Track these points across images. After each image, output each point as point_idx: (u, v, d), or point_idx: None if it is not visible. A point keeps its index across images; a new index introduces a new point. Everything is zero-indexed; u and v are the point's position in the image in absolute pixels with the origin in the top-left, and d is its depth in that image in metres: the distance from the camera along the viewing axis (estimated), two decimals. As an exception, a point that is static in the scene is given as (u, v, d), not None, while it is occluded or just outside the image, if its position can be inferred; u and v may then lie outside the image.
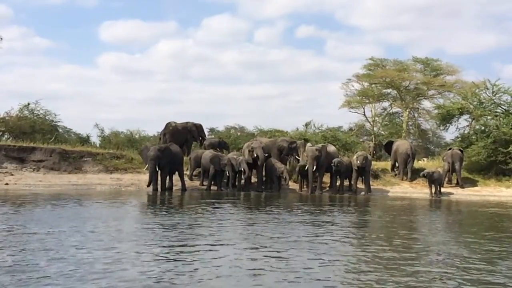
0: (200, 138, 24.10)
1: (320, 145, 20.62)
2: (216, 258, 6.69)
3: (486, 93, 24.33)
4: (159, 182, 17.87)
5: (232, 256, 6.86)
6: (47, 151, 20.12)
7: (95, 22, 78.87)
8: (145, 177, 18.71)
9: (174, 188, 18.48)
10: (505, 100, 24.15)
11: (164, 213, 11.71)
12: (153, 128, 59.38)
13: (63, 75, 70.75)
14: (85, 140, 27.30)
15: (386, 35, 69.88)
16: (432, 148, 40.05)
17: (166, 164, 17.93)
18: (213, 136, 31.41)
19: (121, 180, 19.31)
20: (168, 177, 18.48)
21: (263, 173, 20.21)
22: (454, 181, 21.34)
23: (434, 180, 19.26)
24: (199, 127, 23.79)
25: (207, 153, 19.91)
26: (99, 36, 75.55)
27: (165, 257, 6.70)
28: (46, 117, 27.31)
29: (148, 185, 17.60)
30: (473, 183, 21.49)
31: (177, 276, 5.75)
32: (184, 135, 23.00)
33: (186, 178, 19.41)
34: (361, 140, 36.20)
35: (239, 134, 37.24)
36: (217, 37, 76.52)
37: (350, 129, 40.25)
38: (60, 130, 28.30)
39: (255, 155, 19.45)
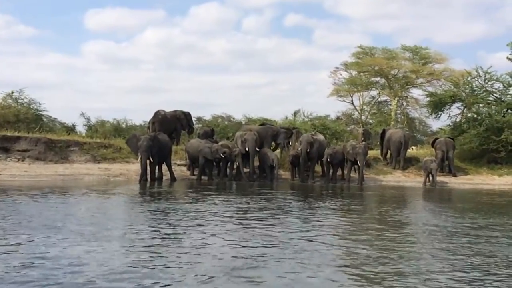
0: (189, 126, 23.58)
1: (310, 133, 20.39)
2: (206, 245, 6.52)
3: (478, 80, 24.21)
4: (148, 172, 17.39)
5: (223, 249, 6.57)
6: (32, 140, 19.43)
7: (81, 10, 77.50)
8: (134, 167, 18.23)
9: (163, 178, 18.05)
10: (497, 88, 24.11)
11: (155, 204, 11.28)
12: (140, 117, 58.74)
13: (48, 63, 69.58)
14: (70, 130, 26.62)
15: (375, 24, 69.72)
16: (418, 137, 40.05)
17: (156, 154, 17.44)
18: (200, 126, 30.98)
19: (109, 170, 18.72)
20: (157, 167, 18.02)
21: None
22: (446, 170, 21.19)
23: (432, 169, 19.04)
24: (188, 115, 23.26)
25: (196, 142, 19.46)
26: (85, 24, 74.27)
27: (154, 247, 6.47)
28: (31, 106, 26.59)
29: (140, 180, 16.88)
30: (465, 172, 21.40)
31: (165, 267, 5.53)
32: (173, 124, 22.46)
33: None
34: (348, 128, 36.06)
35: (226, 123, 36.87)
36: (205, 25, 75.76)
37: (338, 118, 40.12)
38: (45, 120, 27.58)
39: (246, 149, 18.99)
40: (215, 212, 9.86)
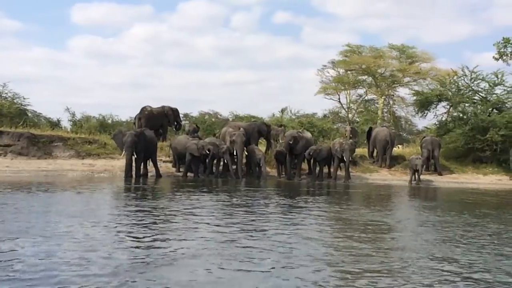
0: (176, 123, 23.41)
1: (295, 130, 20.39)
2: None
3: (464, 80, 24.32)
4: (133, 168, 17.19)
5: (206, 245, 6.42)
6: (15, 135, 19.15)
7: (67, 4, 76.70)
8: (119, 163, 18.02)
9: (148, 174, 17.86)
10: (483, 87, 24.23)
11: (139, 200, 11.11)
12: (126, 113, 58.40)
13: (34, 58, 69.10)
14: (55, 125, 26.30)
15: (363, 22, 70.13)
16: (404, 135, 40.25)
17: (141, 150, 17.25)
18: (187, 122, 30.84)
19: (93, 166, 18.51)
20: (142, 164, 17.82)
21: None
22: (431, 168, 21.26)
23: (417, 165, 19.08)
24: (175, 112, 23.09)
25: (183, 139, 19.29)
26: (72, 19, 73.56)
27: (138, 243, 6.29)
28: (15, 101, 26.26)
29: (125, 176, 16.66)
30: (450, 170, 21.50)
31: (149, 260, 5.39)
32: (159, 120, 22.30)
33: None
34: (335, 126, 36.13)
35: (213, 120, 36.75)
36: (193, 21, 75.66)
37: (325, 116, 40.17)
38: (30, 114, 27.27)
39: (234, 151, 18.74)
40: (195, 209, 9.72)
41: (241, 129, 19.55)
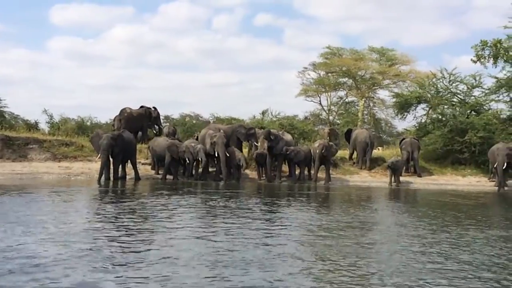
0: (155, 125, 23.12)
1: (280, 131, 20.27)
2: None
3: (443, 82, 24.50)
4: (111, 171, 16.88)
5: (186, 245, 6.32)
6: (-12, 137, 18.72)
7: (46, 5, 75.58)
8: (97, 165, 17.64)
9: (127, 177, 17.57)
10: (461, 89, 24.46)
11: (116, 203, 10.87)
12: (107, 115, 57.70)
13: (12, 59, 67.80)
14: (33, 127, 25.76)
15: (344, 25, 70.51)
16: (384, 137, 40.47)
17: (119, 152, 16.95)
18: (168, 124, 30.54)
19: (70, 169, 18.14)
20: (120, 166, 17.54)
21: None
22: (411, 170, 21.35)
23: (396, 169, 19.16)
24: (155, 113, 22.80)
25: (162, 141, 19.05)
26: (51, 19, 72.53)
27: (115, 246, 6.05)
28: (-10, 102, 25.77)
29: (99, 178, 16.30)
30: (430, 172, 21.60)
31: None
32: (139, 122, 22.01)
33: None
34: (316, 128, 36.13)
35: (194, 122, 36.51)
36: (174, 23, 75.23)
37: (306, 118, 40.18)
38: (7, 116, 26.74)
39: (216, 153, 18.46)
40: (173, 213, 9.55)
41: (221, 131, 19.38)
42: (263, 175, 19.66)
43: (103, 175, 16.44)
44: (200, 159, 18.29)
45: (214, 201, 11.77)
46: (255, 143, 20.25)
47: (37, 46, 74.60)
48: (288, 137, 20.45)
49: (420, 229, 8.54)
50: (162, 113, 24.26)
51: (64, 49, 71.46)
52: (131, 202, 11.26)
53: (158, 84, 68.16)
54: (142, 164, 19.41)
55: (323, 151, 18.80)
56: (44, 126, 27.54)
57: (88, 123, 29.47)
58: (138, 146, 19.88)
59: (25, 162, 18.42)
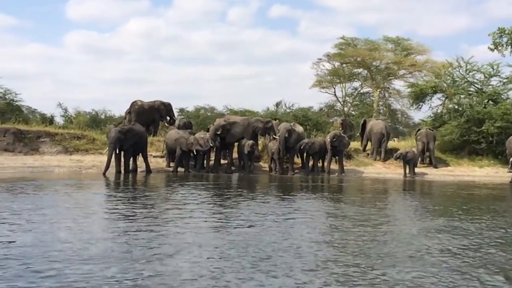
0: (168, 117, 22.94)
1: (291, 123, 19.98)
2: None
3: (459, 71, 23.97)
4: (122, 164, 16.78)
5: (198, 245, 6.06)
6: (0, 131, 18.72)
7: (62, 0, 75.98)
8: (108, 159, 17.61)
9: (138, 170, 17.47)
10: (478, 78, 23.90)
11: (126, 197, 10.75)
12: (121, 108, 57.84)
13: (29, 54, 68.45)
14: (48, 121, 25.89)
15: (360, 16, 69.63)
16: (400, 128, 39.93)
17: (130, 145, 16.84)
18: (182, 117, 30.42)
19: (81, 162, 18.09)
20: (132, 159, 17.43)
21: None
22: (427, 161, 20.95)
23: (408, 160, 18.81)
24: (168, 106, 22.63)
25: (173, 134, 18.92)
26: (67, 14, 72.93)
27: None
28: (6, 96, 25.89)
29: (105, 171, 15.98)
30: (446, 163, 21.17)
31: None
32: (151, 114, 21.88)
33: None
34: (331, 120, 35.75)
35: (209, 114, 36.39)
36: (189, 16, 75.07)
37: (320, 109, 39.80)
38: (25, 111, 26.96)
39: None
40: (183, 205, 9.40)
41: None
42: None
43: (115, 168, 16.31)
44: (211, 146, 18.13)
45: (228, 193, 11.59)
46: (273, 135, 19.90)
47: (53, 41, 75.14)
48: (299, 128, 20.13)
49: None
50: (177, 106, 24.11)
51: (79, 44, 71.95)
52: (140, 196, 11.14)
53: (172, 77, 68.30)
54: (154, 157, 19.30)
55: (334, 139, 18.54)
56: (59, 119, 27.72)
57: (102, 116, 29.54)
58: (149, 139, 19.76)
59: (36, 155, 18.43)
